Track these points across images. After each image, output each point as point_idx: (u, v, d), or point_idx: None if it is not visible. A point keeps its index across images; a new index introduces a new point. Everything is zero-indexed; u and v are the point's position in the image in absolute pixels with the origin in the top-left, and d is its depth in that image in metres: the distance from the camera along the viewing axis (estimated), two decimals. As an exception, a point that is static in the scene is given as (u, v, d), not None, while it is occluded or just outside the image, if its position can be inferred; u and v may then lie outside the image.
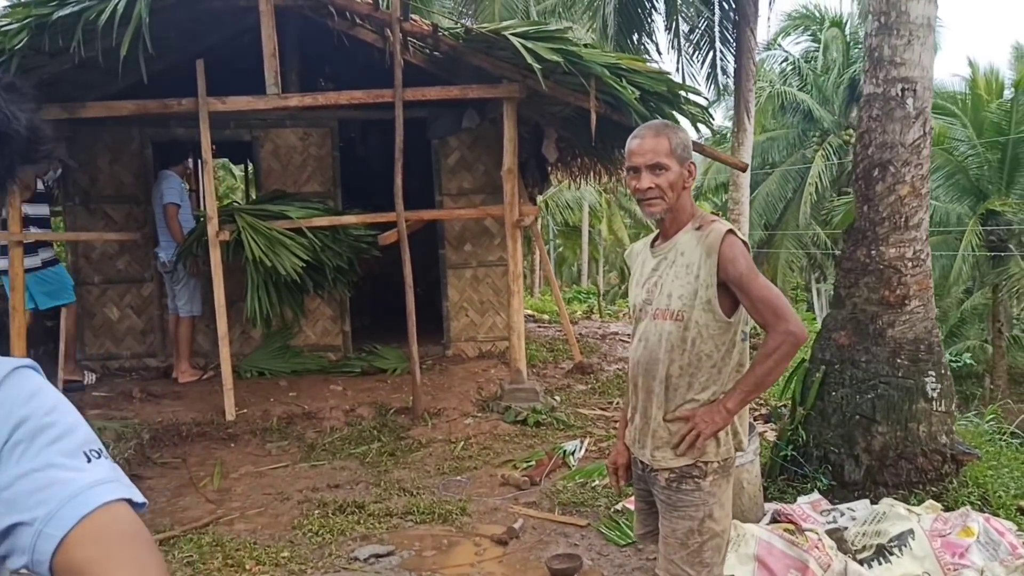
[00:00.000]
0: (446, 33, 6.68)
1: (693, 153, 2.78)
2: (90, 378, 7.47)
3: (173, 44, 7.24)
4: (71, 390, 7.13)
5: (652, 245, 2.89)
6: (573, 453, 5.83)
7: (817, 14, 28.32)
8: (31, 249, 6.85)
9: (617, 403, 7.16)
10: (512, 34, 6.12)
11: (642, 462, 2.85)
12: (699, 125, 6.94)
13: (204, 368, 7.79)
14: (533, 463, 5.69)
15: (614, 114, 6.57)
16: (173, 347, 7.71)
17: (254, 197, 8.35)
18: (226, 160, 15.22)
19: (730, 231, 2.65)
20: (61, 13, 5.44)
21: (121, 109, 6.43)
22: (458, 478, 5.55)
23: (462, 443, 6.17)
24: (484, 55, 6.66)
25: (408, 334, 6.73)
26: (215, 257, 6.53)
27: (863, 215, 4.86)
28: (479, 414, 6.80)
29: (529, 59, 5.95)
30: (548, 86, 6.60)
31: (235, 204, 7.27)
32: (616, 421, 6.65)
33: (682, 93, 6.34)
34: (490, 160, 8.46)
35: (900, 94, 4.73)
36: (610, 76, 6.05)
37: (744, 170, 6.74)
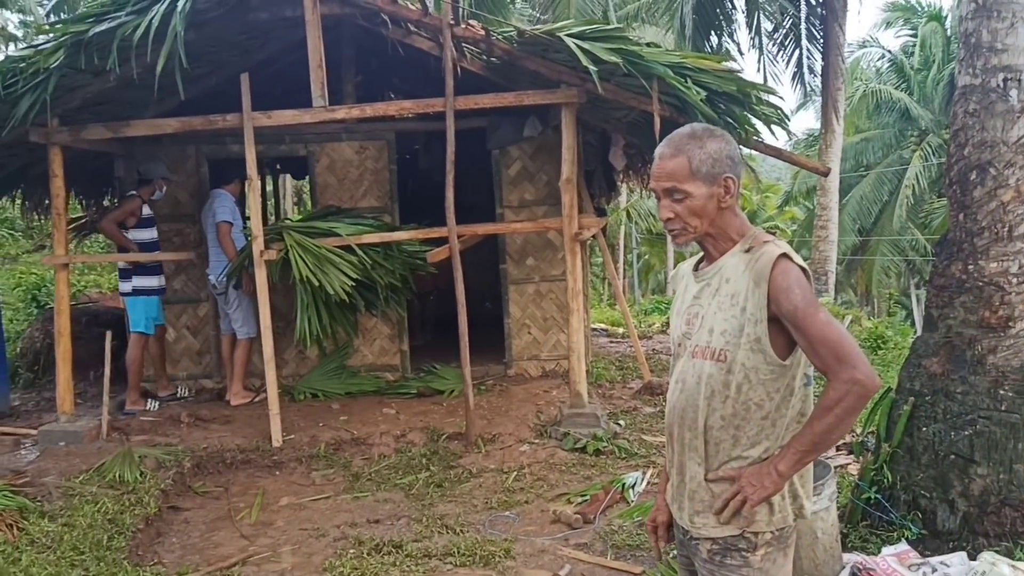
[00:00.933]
0: (499, 37, 6.31)
1: (750, 161, 2.30)
2: (152, 405, 7.34)
3: (223, 60, 7.09)
4: (125, 414, 7.11)
5: (696, 268, 2.41)
6: (633, 486, 5.35)
7: (917, 5, 26.96)
8: (126, 275, 6.99)
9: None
10: (567, 35, 5.71)
11: (681, 527, 2.38)
12: (774, 128, 6.36)
13: (257, 390, 7.59)
14: (589, 497, 5.23)
15: (680, 117, 6.06)
16: (227, 368, 7.53)
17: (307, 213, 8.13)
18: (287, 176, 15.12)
19: (784, 255, 2.16)
20: (97, 29, 5.29)
21: (165, 127, 6.28)
22: (506, 513, 5.14)
23: (515, 473, 5.76)
24: (540, 59, 6.27)
25: (461, 354, 6.36)
26: (260, 276, 6.30)
27: (958, 224, 4.25)
28: (536, 440, 6.38)
29: (585, 61, 5.53)
30: (607, 89, 6.17)
31: (284, 220, 7.00)
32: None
33: (754, 93, 5.78)
34: (553, 170, 8.02)
35: (1002, 85, 4.11)
36: (674, 76, 5.57)
37: (825, 174, 6.17)
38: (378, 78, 8.54)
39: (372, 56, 8.20)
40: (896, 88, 25.78)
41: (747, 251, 2.22)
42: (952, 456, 4.05)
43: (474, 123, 7.62)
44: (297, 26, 6.92)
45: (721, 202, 2.20)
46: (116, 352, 8.24)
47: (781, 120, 6.10)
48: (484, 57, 7.05)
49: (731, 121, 5.94)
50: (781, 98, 6.16)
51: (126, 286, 7.21)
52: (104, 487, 5.46)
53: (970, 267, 4.15)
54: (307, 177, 12.42)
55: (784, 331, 2.15)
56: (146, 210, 7.26)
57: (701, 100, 5.61)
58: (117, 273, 7.24)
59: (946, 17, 25.52)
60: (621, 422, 6.81)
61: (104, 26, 5.29)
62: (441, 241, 6.81)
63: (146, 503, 5.20)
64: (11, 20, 23.40)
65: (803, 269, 2.17)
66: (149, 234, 7.28)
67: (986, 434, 3.97)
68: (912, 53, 26.96)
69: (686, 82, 5.62)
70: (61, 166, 6.31)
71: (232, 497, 5.72)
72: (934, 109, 25.23)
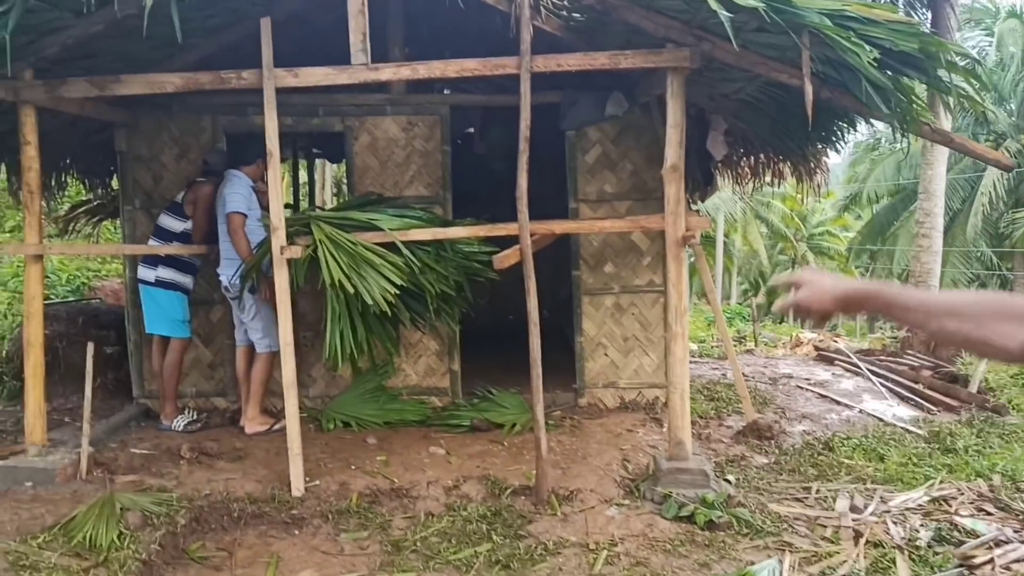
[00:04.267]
0: (593, -19, 4.90)
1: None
2: (178, 423, 6.12)
3: (244, 9, 5.75)
4: (162, 430, 6.10)
5: None
6: (771, 584, 3.92)
7: (991, 7, 25.18)
8: (151, 261, 5.98)
9: (819, 490, 5.17)
10: (689, -27, 4.28)
11: None
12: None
13: (277, 416, 6.26)
14: (712, 599, 3.81)
15: (824, 88, 4.64)
16: (243, 387, 6.21)
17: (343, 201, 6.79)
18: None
19: None
20: (70, -53, 3.96)
21: (165, 84, 4.94)
22: (601, 621, 3.74)
23: (604, 552, 4.34)
24: (643, 9, 4.84)
25: (532, 387, 4.98)
26: (281, 279, 4.95)
27: None
28: (626, 501, 4.96)
29: (715, 6, 4.08)
30: (728, 52, 4.76)
31: (315, 210, 5.66)
32: (823, 521, 4.70)
33: (943, 54, 4.27)
34: (639, 157, 6.63)
35: None
36: (833, 28, 4.11)
37: (1009, 169, 4.65)
38: (427, 50, 7.16)
39: (420, 24, 6.85)
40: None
41: None
42: None
43: (545, 98, 6.22)
44: (336, -33, 5.62)
45: None
46: (117, 360, 7.05)
47: (979, 102, 4.60)
48: (564, 13, 5.66)
49: (901, 97, 4.47)
50: (978, 61, 4.65)
51: (148, 273, 6.04)
52: (69, 554, 4.16)
53: None
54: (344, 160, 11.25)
55: None
56: (178, 198, 6.21)
57: (871, 63, 4.14)
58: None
59: (1025, 13, 23.71)
60: (730, 478, 5.36)
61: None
62: (505, 242, 5.42)
63: (119, 582, 3.88)
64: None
65: None
66: (183, 225, 6.11)
67: None
68: (984, 56, 25.07)
69: (851, 37, 4.15)
70: (35, 131, 5.00)
71: (237, 567, 4.37)
72: (1012, 111, 23.37)
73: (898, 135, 4.80)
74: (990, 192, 22.57)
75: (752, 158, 7.35)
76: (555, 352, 6.84)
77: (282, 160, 7.82)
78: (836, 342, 11.28)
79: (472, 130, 8.95)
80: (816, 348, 10.33)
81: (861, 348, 10.31)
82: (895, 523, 4.72)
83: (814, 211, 39.91)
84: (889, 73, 4.44)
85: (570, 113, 6.53)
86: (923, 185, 12.10)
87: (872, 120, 5.72)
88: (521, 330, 9.41)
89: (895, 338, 10.36)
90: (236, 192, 5.69)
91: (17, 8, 4.16)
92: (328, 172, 20.33)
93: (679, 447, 5.05)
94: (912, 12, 12.75)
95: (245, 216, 5.68)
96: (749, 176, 7.55)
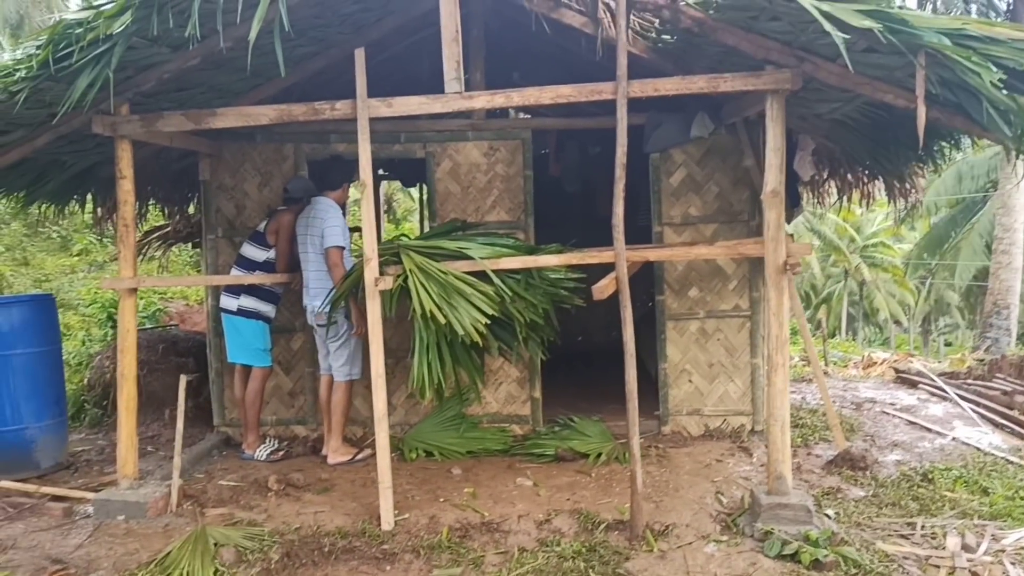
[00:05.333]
0: (688, 2, 4.79)
1: None
2: (261, 452, 6.13)
3: (330, 38, 5.77)
4: (244, 459, 6.14)
5: None
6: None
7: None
8: (234, 291, 6.00)
9: (923, 526, 4.95)
10: (796, -6, 4.14)
11: None
12: None
13: (360, 446, 6.22)
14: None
15: (934, 109, 4.45)
16: (324, 415, 6.17)
17: (427, 229, 6.74)
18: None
19: None
20: (174, -17, 3.96)
21: (260, 117, 4.93)
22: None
23: (710, 594, 4.19)
24: (742, 31, 4.72)
25: (628, 419, 4.84)
26: (374, 310, 4.89)
27: None
28: (723, 537, 4.79)
29: (828, 27, 3.94)
30: (832, 72, 4.62)
31: (403, 239, 5.61)
32: (935, 561, 4.49)
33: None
34: (725, 179, 6.49)
35: None
36: (953, 48, 3.94)
37: None
38: (497, 73, 7.11)
39: (494, 46, 6.80)
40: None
41: None
42: None
43: (631, 120, 6.10)
44: (422, -8, 5.60)
45: None
46: (196, 388, 7.06)
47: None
48: (654, 35, 5.56)
49: (1014, 120, 4.26)
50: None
51: (231, 303, 6.05)
52: (167, 591, 4.13)
53: None
54: (418, 184, 11.22)
55: None
56: (260, 227, 6.23)
57: (994, 83, 3.96)
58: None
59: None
60: (830, 512, 5.16)
61: (183, -22, 3.97)
62: (587, 269, 5.31)
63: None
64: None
65: None
66: (266, 254, 6.13)
67: None
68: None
69: (972, 56, 3.98)
70: (130, 165, 5.03)
71: (331, 604, 4.31)
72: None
73: (1018, 156, 4.59)
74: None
75: (838, 178, 7.15)
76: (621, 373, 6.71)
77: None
78: (913, 362, 10.94)
79: (546, 152, 8.88)
80: (895, 370, 10.02)
81: (944, 371, 9.97)
82: (1013, 564, 4.49)
83: (868, 222, 39.14)
84: (1005, 92, 4.25)
85: (654, 135, 6.42)
86: (1001, 200, 11.73)
87: (981, 140, 5.51)
88: (592, 352, 9.39)
89: (982, 360, 10.02)
90: (335, 225, 5.67)
91: (120, 45, 4.18)
92: (382, 193, 20.39)
93: (779, 481, 4.87)
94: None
95: (343, 249, 5.66)
96: (836, 196, 7.35)
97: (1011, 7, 11.18)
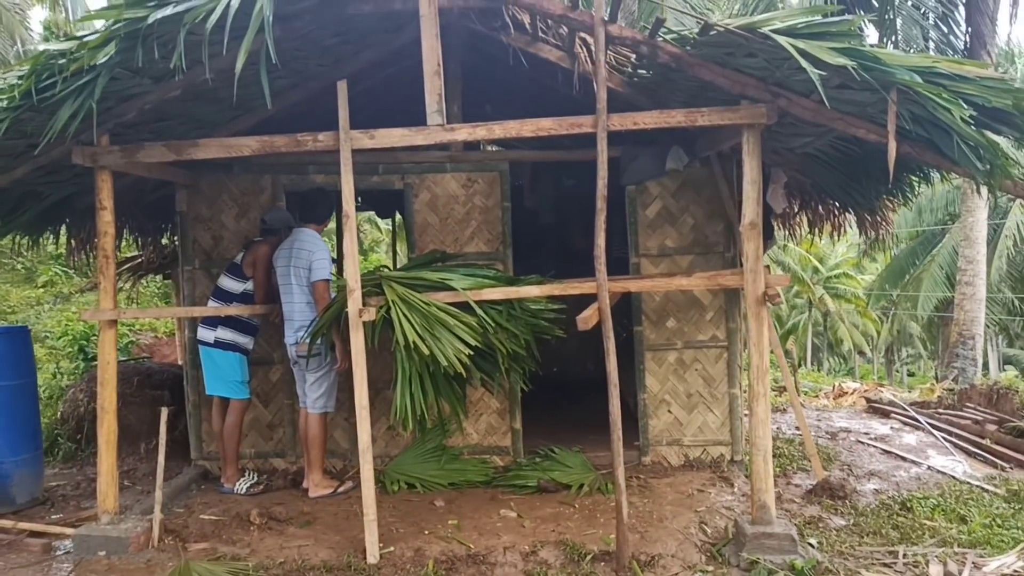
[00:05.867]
0: (665, 38, 4.89)
1: None
2: (240, 486, 6.06)
3: (310, 70, 5.80)
4: (224, 493, 6.04)
5: None
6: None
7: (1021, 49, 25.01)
8: (210, 322, 5.93)
9: (906, 555, 5.01)
10: (772, 31, 4.25)
11: None
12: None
13: (341, 478, 6.16)
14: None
15: (904, 143, 4.57)
16: (304, 447, 6.12)
17: (405, 260, 6.74)
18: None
19: None
20: (160, 15, 3.95)
21: (242, 148, 4.92)
22: None
23: (699, 624, 4.20)
24: (718, 66, 4.82)
25: (612, 449, 4.86)
26: (357, 342, 4.88)
27: None
28: (709, 567, 4.81)
29: (805, 64, 4.05)
30: (806, 107, 4.76)
31: (383, 270, 5.61)
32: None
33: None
34: (700, 211, 6.58)
35: None
36: (923, 85, 4.07)
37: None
38: (471, 105, 7.17)
39: (468, 79, 6.87)
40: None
41: None
42: None
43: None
44: (400, 28, 5.67)
45: None
46: (171, 420, 6.95)
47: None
48: (630, 69, 5.67)
49: (992, 153, 4.39)
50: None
51: (207, 334, 5.99)
52: (148, 628, 4.05)
53: None
54: (394, 215, 11.23)
55: None
56: (237, 259, 6.19)
57: (965, 120, 4.09)
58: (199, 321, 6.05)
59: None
60: (813, 541, 5.20)
61: (168, 11, 3.96)
62: (581, 300, 5.34)
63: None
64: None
65: None
66: (243, 285, 6.09)
67: None
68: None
69: (942, 93, 4.11)
70: (111, 196, 5.00)
71: (316, 640, 4.25)
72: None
73: (990, 189, 4.73)
74: (1015, 235, 22.42)
75: (809, 211, 7.29)
76: (601, 404, 6.73)
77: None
78: (883, 392, 11.09)
79: (521, 183, 8.96)
80: (867, 399, 10.15)
81: (915, 400, 10.12)
82: (993, 590, 4.56)
83: (831, 253, 39.71)
84: (987, 126, 4.38)
85: (630, 168, 6.51)
86: (964, 232, 12.01)
87: (949, 173, 5.65)
88: (568, 383, 9.41)
89: (951, 390, 10.18)
90: (323, 258, 5.67)
91: (103, 76, 4.17)
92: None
93: (763, 510, 4.91)
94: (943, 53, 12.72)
95: (329, 282, 5.66)
96: (806, 228, 7.48)
97: (967, 45, 11.49)
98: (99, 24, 4.22)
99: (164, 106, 5.00)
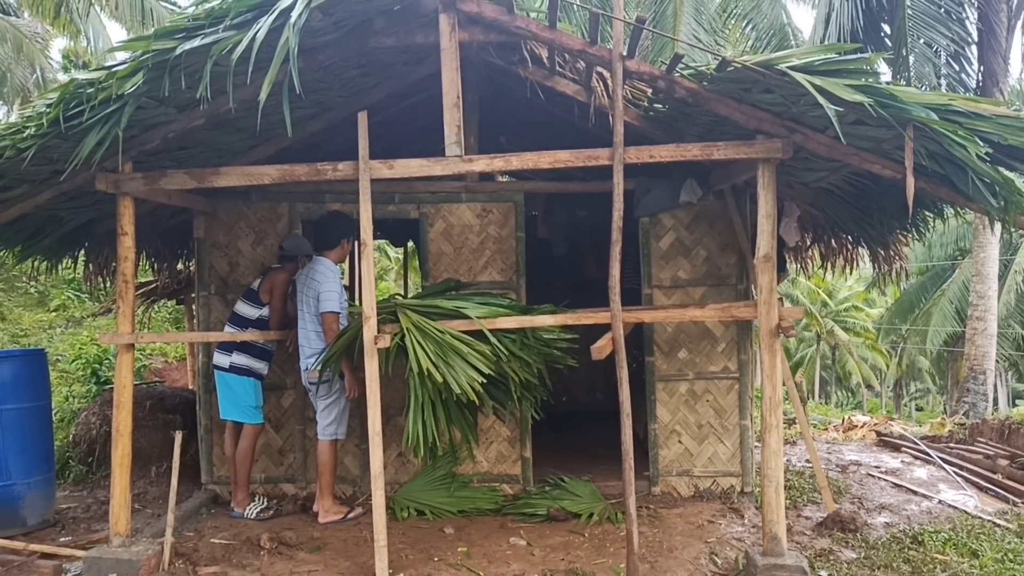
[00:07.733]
0: (682, 74, 4.97)
1: None
2: (251, 511, 6.07)
3: (330, 101, 5.90)
4: (234, 518, 6.05)
5: None
6: None
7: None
8: (226, 347, 5.98)
9: (918, 590, 4.99)
10: (789, 67, 4.32)
11: None
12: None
13: (351, 504, 6.18)
14: None
15: (920, 179, 4.62)
16: (316, 473, 6.14)
17: (420, 288, 6.79)
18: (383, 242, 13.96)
19: None
20: (187, 47, 4.05)
21: (263, 176, 5.00)
22: None
23: (711, 656, 4.18)
24: (734, 101, 4.89)
25: (624, 477, 4.87)
26: (372, 369, 4.92)
27: None
28: (721, 599, 4.80)
29: (822, 100, 4.11)
30: (822, 143, 4.82)
31: (396, 297, 5.65)
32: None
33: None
34: (713, 243, 6.63)
35: None
36: (939, 122, 4.12)
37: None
38: (486, 137, 7.26)
39: (484, 111, 6.97)
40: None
41: None
42: None
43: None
44: (420, 62, 5.77)
45: None
46: (184, 446, 6.99)
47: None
48: (645, 103, 5.74)
49: (1007, 189, 4.44)
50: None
51: (223, 359, 6.04)
52: (160, 652, 4.06)
53: None
54: (406, 244, 11.31)
55: None
56: (254, 285, 6.24)
57: (980, 157, 4.14)
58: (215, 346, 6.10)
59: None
60: (823, 574, 5.19)
61: (195, 43, 4.05)
62: (592, 330, 5.38)
63: None
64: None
65: None
66: (259, 311, 6.14)
67: None
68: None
69: (958, 131, 4.16)
70: (132, 222, 5.08)
71: (327, 667, 4.25)
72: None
73: (1006, 226, 4.77)
74: (1024, 271, 22.42)
75: (822, 244, 7.33)
76: (610, 434, 6.74)
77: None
78: (893, 426, 11.05)
79: (535, 214, 9.03)
80: (877, 433, 10.11)
81: (926, 434, 10.09)
82: (1006, 626, 4.53)
83: (840, 287, 39.70)
84: (1005, 163, 4.44)
85: (644, 200, 6.57)
86: (976, 267, 12.04)
87: (963, 209, 5.70)
88: (577, 412, 9.42)
89: (962, 424, 10.15)
90: (331, 290, 5.70)
91: (130, 105, 4.26)
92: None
93: (774, 542, 4.91)
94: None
95: (339, 315, 5.70)
96: (819, 262, 7.52)
97: (980, 83, 11.59)
98: (122, 55, 4.33)
99: (187, 134, 5.08)
